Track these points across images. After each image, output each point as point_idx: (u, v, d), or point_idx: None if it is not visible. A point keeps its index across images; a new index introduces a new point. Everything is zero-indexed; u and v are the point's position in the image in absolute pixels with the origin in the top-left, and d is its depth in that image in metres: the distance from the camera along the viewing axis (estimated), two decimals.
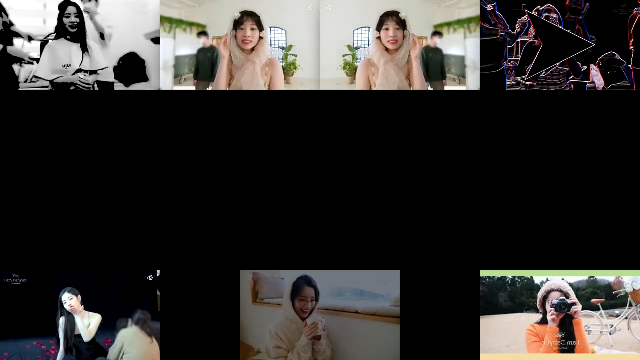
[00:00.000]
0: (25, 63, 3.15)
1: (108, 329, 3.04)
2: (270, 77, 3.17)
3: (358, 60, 3.17)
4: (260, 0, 3.15)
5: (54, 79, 3.15)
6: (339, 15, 3.16)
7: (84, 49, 3.16)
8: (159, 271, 3.07)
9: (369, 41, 3.17)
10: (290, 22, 3.16)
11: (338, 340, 3.02)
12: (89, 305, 3.05)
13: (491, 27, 3.12)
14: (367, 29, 3.17)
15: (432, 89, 3.16)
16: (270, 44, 3.18)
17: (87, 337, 3.03)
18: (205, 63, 3.17)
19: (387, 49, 3.17)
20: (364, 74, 3.17)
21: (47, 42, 3.16)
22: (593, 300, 3.05)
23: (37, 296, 3.05)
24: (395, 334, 3.02)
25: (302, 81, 3.17)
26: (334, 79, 3.16)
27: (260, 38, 3.17)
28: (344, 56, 3.17)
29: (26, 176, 3.10)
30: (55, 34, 3.16)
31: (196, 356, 3.08)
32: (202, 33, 3.17)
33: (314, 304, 3.00)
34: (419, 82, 3.16)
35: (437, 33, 3.15)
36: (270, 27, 3.17)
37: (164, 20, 3.13)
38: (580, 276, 3.06)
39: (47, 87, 3.15)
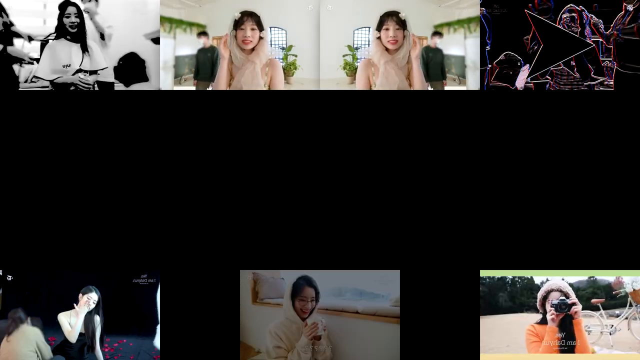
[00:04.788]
0: (25, 63, 3.15)
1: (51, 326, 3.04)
2: (270, 77, 3.17)
3: (358, 61, 3.18)
4: (261, 0, 3.16)
5: (54, 79, 3.14)
6: (339, 15, 3.16)
7: (84, 49, 3.16)
8: (159, 271, 3.08)
9: (369, 41, 3.17)
10: (290, 22, 3.16)
11: (338, 341, 3.02)
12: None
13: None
14: (367, 29, 3.17)
15: (432, 89, 3.16)
16: (271, 44, 3.18)
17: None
18: (205, 63, 3.17)
19: (387, 49, 3.17)
20: (364, 73, 3.17)
21: (47, 42, 3.15)
22: (593, 300, 3.05)
23: None
24: (395, 334, 3.01)
25: (302, 81, 3.17)
26: (334, 79, 3.16)
27: (260, 38, 3.17)
28: (344, 56, 3.17)
29: (26, 176, 3.10)
30: (55, 34, 3.16)
31: (196, 356, 3.08)
32: (202, 33, 3.17)
33: (314, 304, 3.01)
34: (419, 82, 3.16)
35: (437, 33, 3.15)
36: (270, 27, 3.17)
37: (164, 20, 3.13)
38: (580, 276, 3.06)
39: (47, 87, 3.15)
